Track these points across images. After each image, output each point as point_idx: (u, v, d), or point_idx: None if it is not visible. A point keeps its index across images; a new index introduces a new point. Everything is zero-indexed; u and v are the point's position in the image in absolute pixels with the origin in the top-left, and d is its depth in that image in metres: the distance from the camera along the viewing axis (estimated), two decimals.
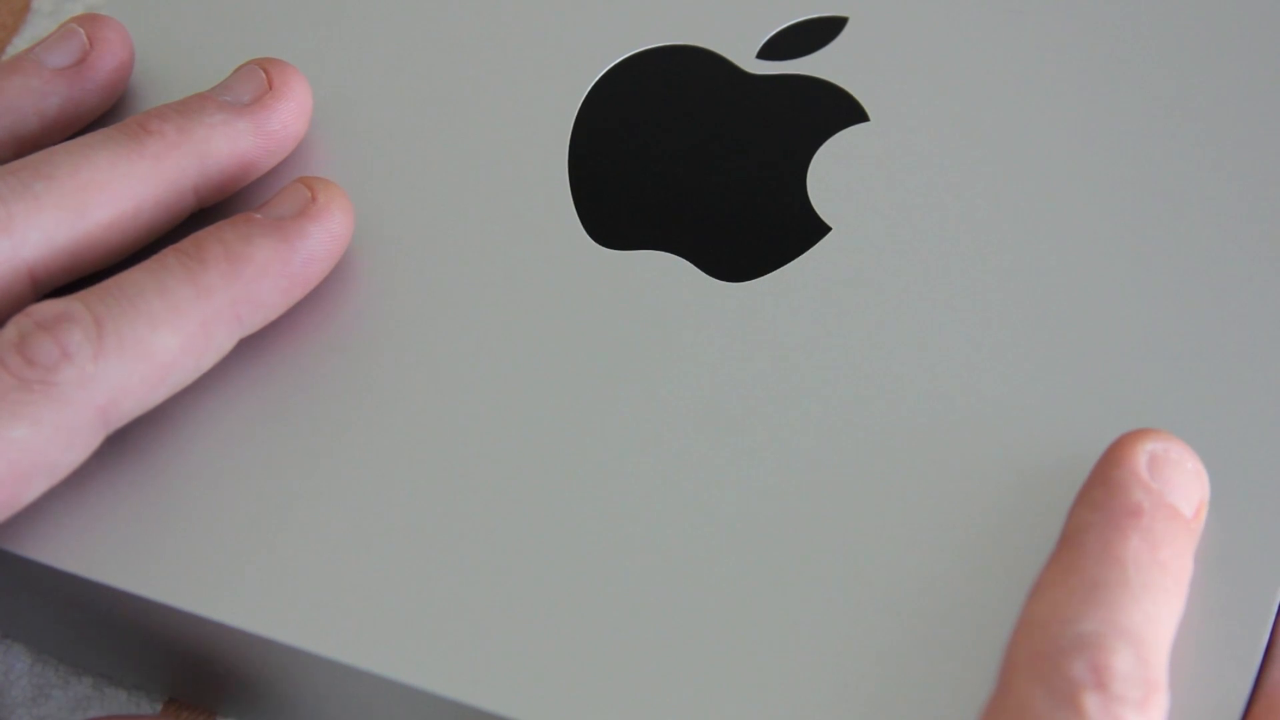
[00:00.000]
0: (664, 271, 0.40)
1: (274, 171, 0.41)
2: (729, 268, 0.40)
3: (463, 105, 0.42)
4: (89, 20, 0.42)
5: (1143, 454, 0.35)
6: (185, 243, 0.38)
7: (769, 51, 0.42)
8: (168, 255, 0.38)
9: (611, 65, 0.43)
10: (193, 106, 0.40)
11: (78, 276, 0.39)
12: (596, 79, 0.42)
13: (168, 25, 0.44)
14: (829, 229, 0.40)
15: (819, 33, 0.42)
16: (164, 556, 0.37)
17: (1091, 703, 0.32)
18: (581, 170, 0.41)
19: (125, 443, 0.38)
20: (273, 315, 0.39)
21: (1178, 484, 0.35)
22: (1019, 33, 0.42)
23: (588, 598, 0.36)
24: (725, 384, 0.38)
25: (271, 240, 0.38)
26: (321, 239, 0.39)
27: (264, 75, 0.41)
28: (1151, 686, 0.32)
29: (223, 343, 0.38)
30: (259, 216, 0.39)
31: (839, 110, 0.41)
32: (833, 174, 0.41)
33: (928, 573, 0.36)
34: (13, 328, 0.36)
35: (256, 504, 0.38)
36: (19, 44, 0.49)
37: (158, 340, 0.36)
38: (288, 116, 0.41)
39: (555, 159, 0.41)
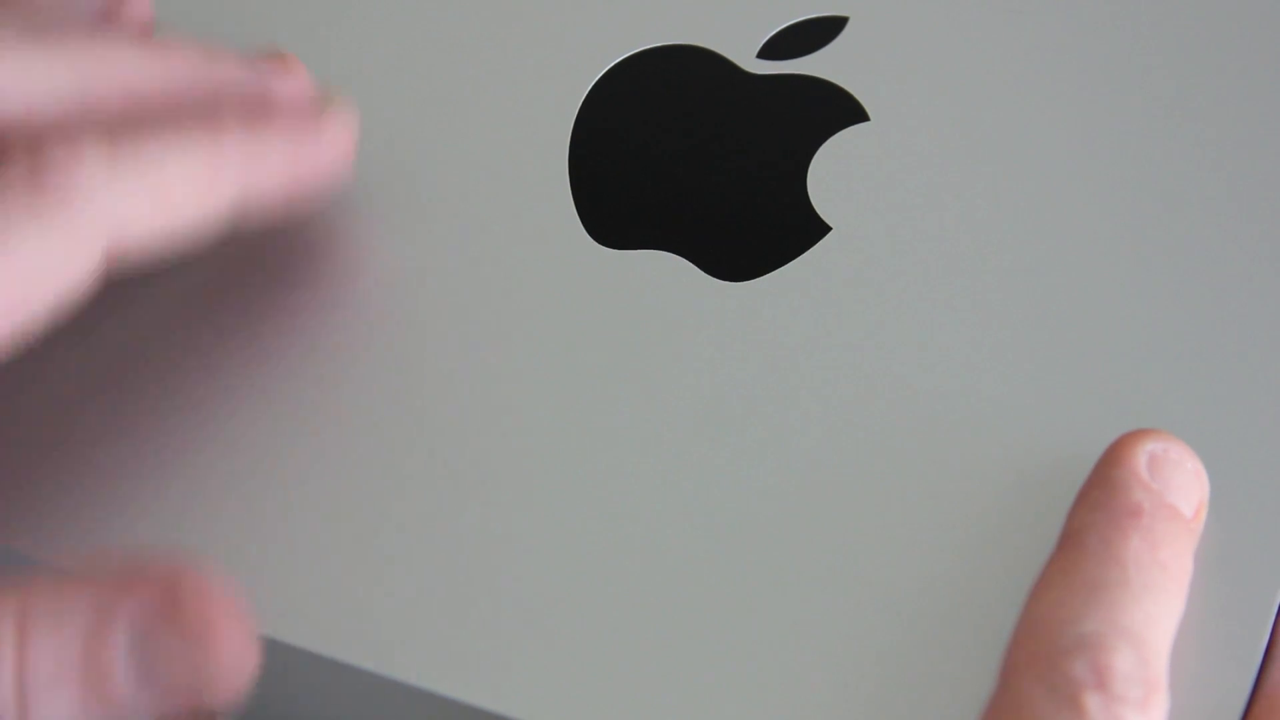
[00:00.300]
0: (664, 271, 0.40)
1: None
2: (729, 267, 0.40)
3: (463, 104, 0.42)
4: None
5: (1142, 454, 0.35)
6: (203, 102, 0.37)
7: (769, 51, 0.42)
8: (182, 106, 0.37)
9: (611, 65, 0.43)
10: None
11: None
12: (597, 79, 0.42)
13: (168, 27, 0.44)
14: (829, 229, 0.40)
15: (819, 32, 0.42)
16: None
17: (1092, 702, 0.32)
18: (582, 169, 0.41)
19: (125, 442, 0.38)
20: (273, 199, 0.38)
21: (1177, 484, 0.35)
22: (1019, 33, 0.42)
23: (588, 597, 0.36)
24: (725, 383, 0.38)
25: (286, 131, 0.38)
26: (329, 138, 0.39)
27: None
28: (1152, 686, 0.32)
29: (223, 204, 0.37)
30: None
31: (839, 110, 0.41)
32: (833, 174, 0.41)
33: (928, 573, 0.36)
34: (28, 138, 0.35)
35: (256, 503, 0.38)
36: None
37: (168, 166, 0.35)
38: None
39: (555, 158, 0.41)
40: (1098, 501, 0.35)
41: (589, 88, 0.42)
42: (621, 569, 0.36)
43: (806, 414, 0.38)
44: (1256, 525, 0.36)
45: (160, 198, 0.35)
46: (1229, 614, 0.35)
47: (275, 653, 0.36)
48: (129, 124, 0.36)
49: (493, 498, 0.37)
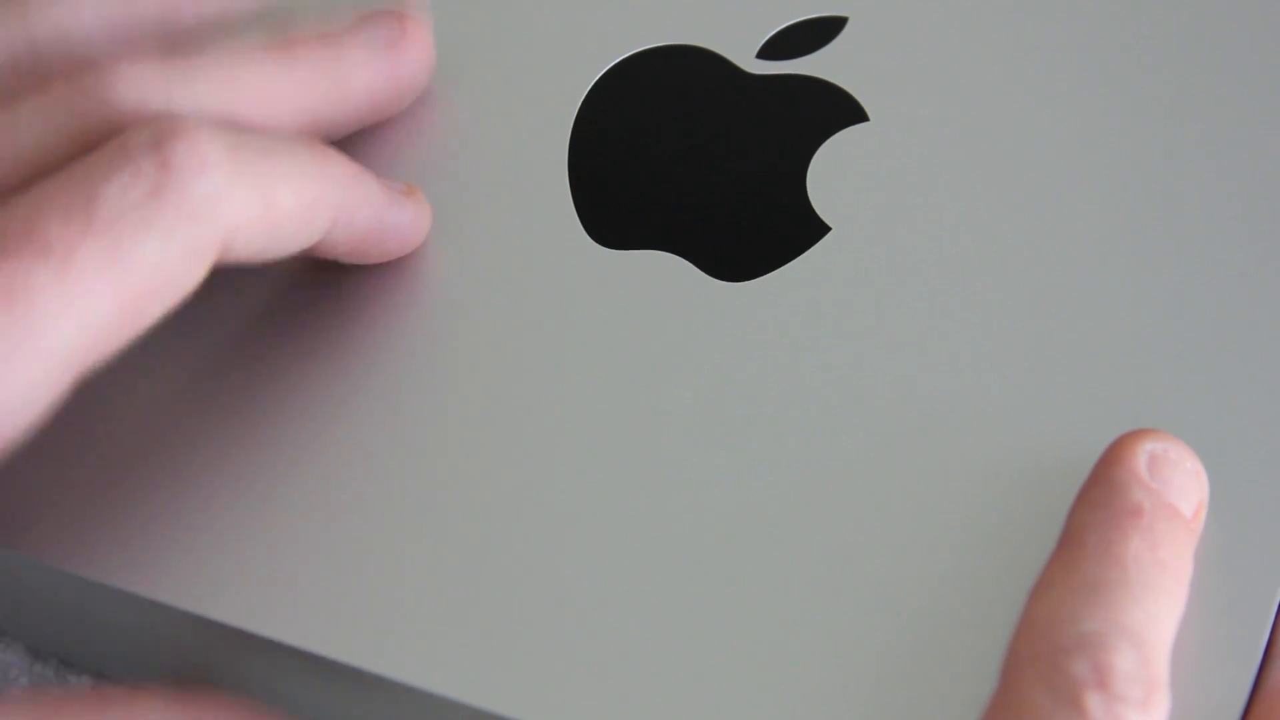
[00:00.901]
0: (663, 271, 0.40)
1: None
2: (728, 267, 0.40)
3: (462, 104, 0.42)
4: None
5: (1142, 454, 0.35)
6: (310, 137, 0.38)
7: (769, 51, 0.42)
8: (293, 135, 0.37)
9: (611, 65, 0.43)
10: (337, 40, 0.40)
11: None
12: (596, 79, 0.42)
13: None
14: (828, 229, 0.40)
15: (819, 33, 0.43)
16: (164, 556, 0.37)
17: (1093, 702, 0.32)
18: (581, 170, 0.41)
19: (125, 442, 0.38)
20: (348, 248, 0.38)
21: (1177, 484, 0.35)
22: (1018, 32, 0.42)
23: (587, 597, 0.36)
24: (724, 384, 0.38)
25: (379, 187, 0.39)
26: (410, 218, 0.40)
27: (400, 22, 0.41)
28: (1153, 686, 0.32)
29: (317, 229, 0.37)
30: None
31: (838, 110, 0.41)
32: (832, 174, 0.41)
33: (928, 572, 0.36)
34: (145, 131, 0.34)
35: (257, 503, 0.38)
36: None
37: (279, 188, 0.35)
38: (418, 66, 0.41)
39: (555, 158, 0.41)
40: (1098, 501, 0.35)
41: (588, 88, 0.42)
42: (621, 569, 0.36)
43: (806, 414, 0.38)
44: (1256, 525, 0.36)
45: (267, 213, 0.35)
46: (1229, 613, 0.35)
47: (275, 653, 0.36)
48: (247, 132, 0.36)
49: (492, 498, 0.37)
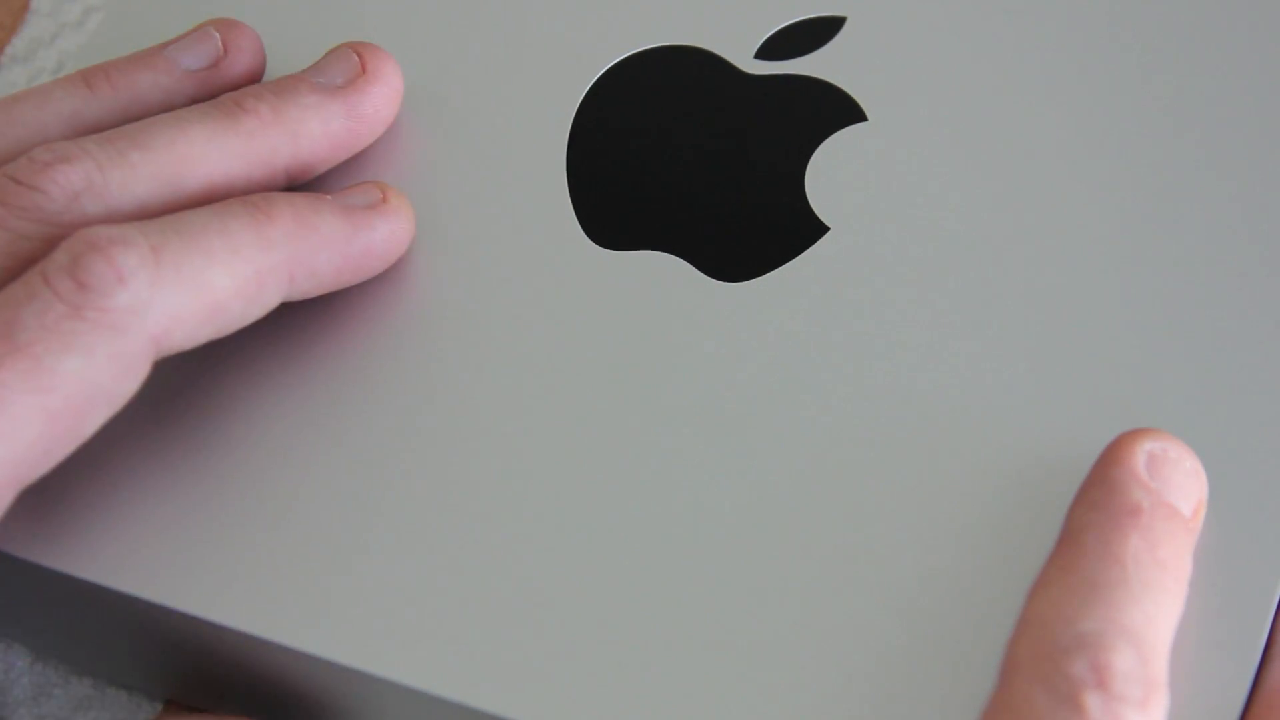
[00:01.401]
0: (662, 271, 0.40)
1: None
2: (727, 268, 0.40)
3: (461, 105, 0.42)
4: (224, 25, 0.41)
5: (1141, 453, 0.35)
6: (255, 196, 0.37)
7: (767, 51, 0.42)
8: (234, 202, 0.37)
9: (609, 66, 0.43)
10: (287, 87, 0.40)
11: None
12: (594, 79, 0.42)
13: (168, 26, 0.43)
14: (827, 229, 0.40)
15: (817, 33, 0.42)
16: (163, 558, 0.37)
17: (1093, 702, 0.32)
18: (579, 170, 0.41)
19: (124, 443, 0.38)
20: (320, 289, 0.38)
21: (1176, 483, 0.35)
22: (1017, 32, 0.42)
23: (587, 598, 0.36)
24: (723, 384, 0.38)
25: (338, 219, 0.38)
26: (383, 235, 0.39)
27: (357, 58, 0.41)
28: (1152, 685, 0.32)
29: (271, 298, 0.37)
30: (330, 199, 0.39)
31: (837, 110, 0.41)
32: (831, 174, 0.41)
33: (928, 572, 0.36)
34: (63, 251, 0.35)
35: (256, 504, 0.38)
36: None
37: (213, 277, 0.36)
38: (379, 100, 0.41)
39: (553, 159, 0.41)
40: (1097, 501, 0.35)
41: (587, 88, 0.42)
42: (621, 569, 0.36)
43: (805, 414, 0.38)
44: (1255, 524, 0.36)
45: (202, 306, 0.36)
46: (1228, 613, 0.35)
47: (275, 654, 0.36)
48: (171, 227, 0.36)
49: (491, 498, 0.37)
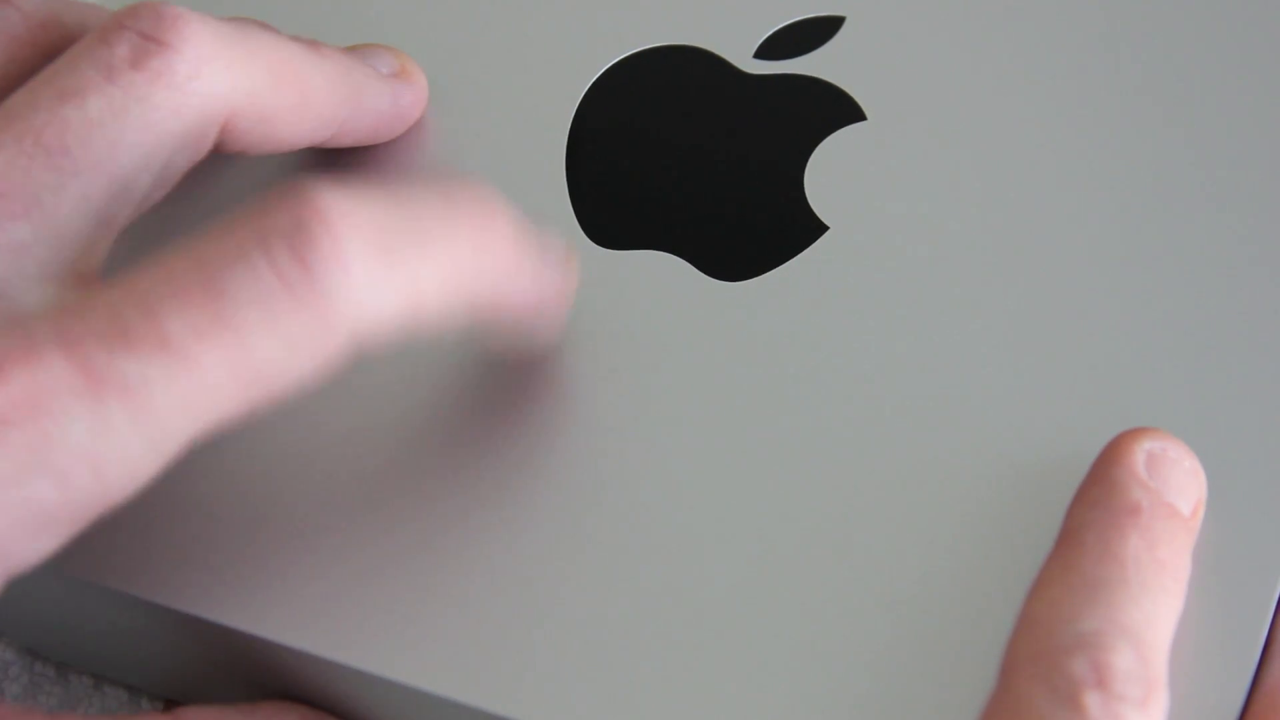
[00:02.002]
0: (661, 271, 0.40)
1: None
2: (726, 267, 0.40)
3: (460, 104, 0.42)
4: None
5: (1140, 452, 0.35)
6: (484, 192, 0.35)
7: (766, 51, 0.42)
8: (463, 196, 0.34)
9: (609, 65, 0.43)
10: (350, 55, 0.40)
11: (248, 149, 0.37)
12: (594, 79, 0.42)
13: None
14: (826, 228, 0.40)
15: (816, 32, 0.43)
16: (163, 558, 0.37)
17: (1092, 701, 0.32)
18: (578, 170, 0.41)
19: None
20: (504, 320, 0.36)
21: (1175, 483, 0.35)
22: (1017, 31, 0.42)
23: (586, 598, 0.36)
24: (722, 384, 0.38)
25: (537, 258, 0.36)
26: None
27: (396, 58, 0.41)
28: (1152, 685, 0.32)
29: (453, 320, 0.34)
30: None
31: (836, 109, 0.41)
32: (830, 173, 0.41)
33: (927, 572, 0.36)
34: (286, 213, 0.32)
35: (256, 504, 0.38)
36: None
37: (427, 279, 0.33)
38: (415, 97, 0.41)
39: (552, 159, 0.41)
40: (1096, 500, 0.35)
41: (586, 88, 0.42)
42: (620, 569, 0.36)
43: (804, 414, 0.38)
44: (1254, 523, 0.36)
45: (408, 309, 0.33)
46: (1227, 612, 0.35)
47: (275, 654, 0.36)
48: (400, 207, 0.33)
49: (490, 498, 0.37)
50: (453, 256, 0.34)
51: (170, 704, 0.40)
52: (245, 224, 0.32)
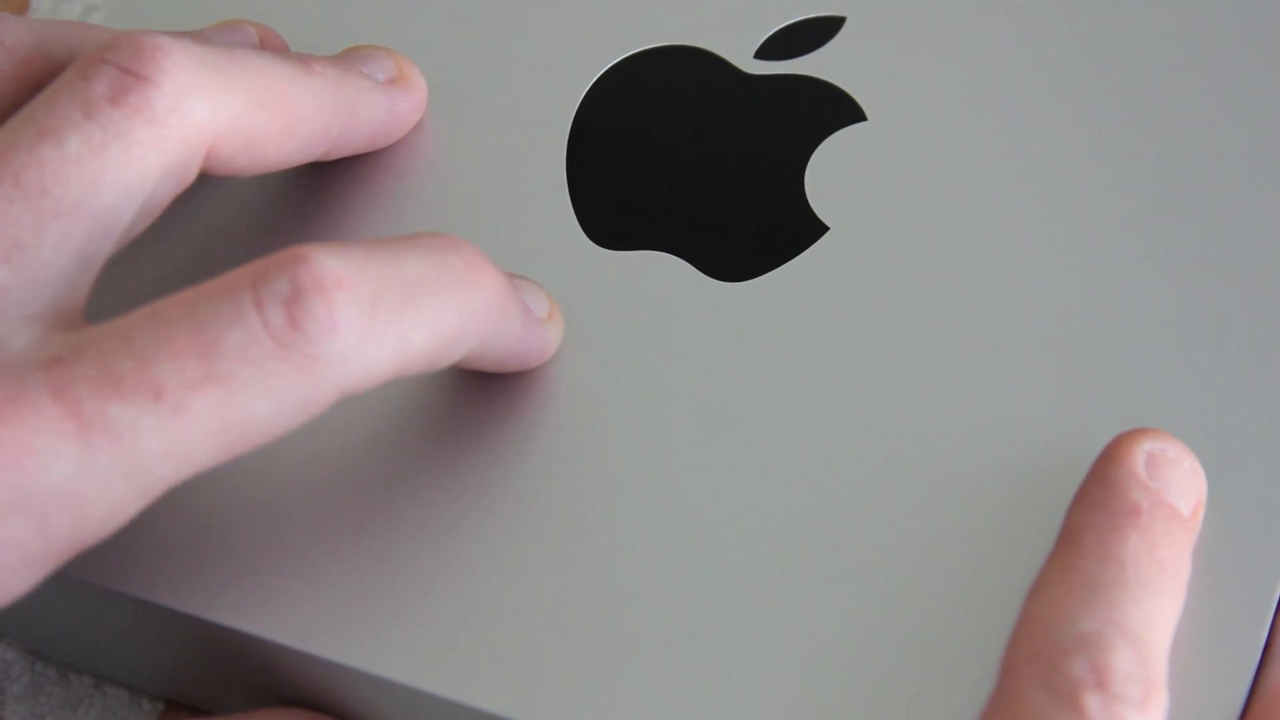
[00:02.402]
0: (661, 271, 0.40)
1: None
2: (726, 268, 0.40)
3: (460, 104, 0.42)
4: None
5: (1140, 453, 0.35)
6: (467, 250, 0.35)
7: (767, 51, 0.42)
8: (450, 251, 0.35)
9: (609, 65, 0.43)
10: (344, 64, 0.40)
11: (237, 173, 0.38)
12: (594, 79, 0.42)
13: (168, 26, 0.44)
14: (827, 229, 0.40)
15: (816, 32, 0.43)
16: (164, 559, 0.37)
17: (1092, 702, 0.32)
18: (579, 170, 0.41)
19: None
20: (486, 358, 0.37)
21: (1175, 483, 0.35)
22: (1017, 32, 0.42)
23: (587, 598, 0.36)
24: (722, 384, 0.38)
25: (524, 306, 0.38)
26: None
27: (394, 62, 0.41)
28: (1151, 686, 0.32)
29: (448, 362, 0.36)
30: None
31: (837, 110, 0.41)
32: (830, 174, 0.41)
33: (927, 572, 0.36)
34: (281, 275, 0.33)
35: (256, 504, 0.38)
36: None
37: (415, 338, 0.34)
38: (412, 103, 0.41)
39: (553, 159, 0.41)
40: (1096, 500, 0.35)
41: (587, 88, 0.42)
42: (620, 570, 0.36)
43: (805, 414, 0.38)
44: (1254, 524, 0.36)
45: (400, 363, 0.34)
46: (1227, 613, 0.35)
47: (276, 654, 0.36)
48: (390, 269, 0.34)
49: (490, 498, 0.37)
50: (440, 316, 0.34)
51: (170, 704, 0.40)
52: (242, 283, 0.33)
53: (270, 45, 0.42)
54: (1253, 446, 0.36)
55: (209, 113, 0.36)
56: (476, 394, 0.39)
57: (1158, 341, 0.38)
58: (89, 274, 0.35)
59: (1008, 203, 0.40)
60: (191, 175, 0.37)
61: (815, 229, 0.40)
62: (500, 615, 0.36)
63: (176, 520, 0.37)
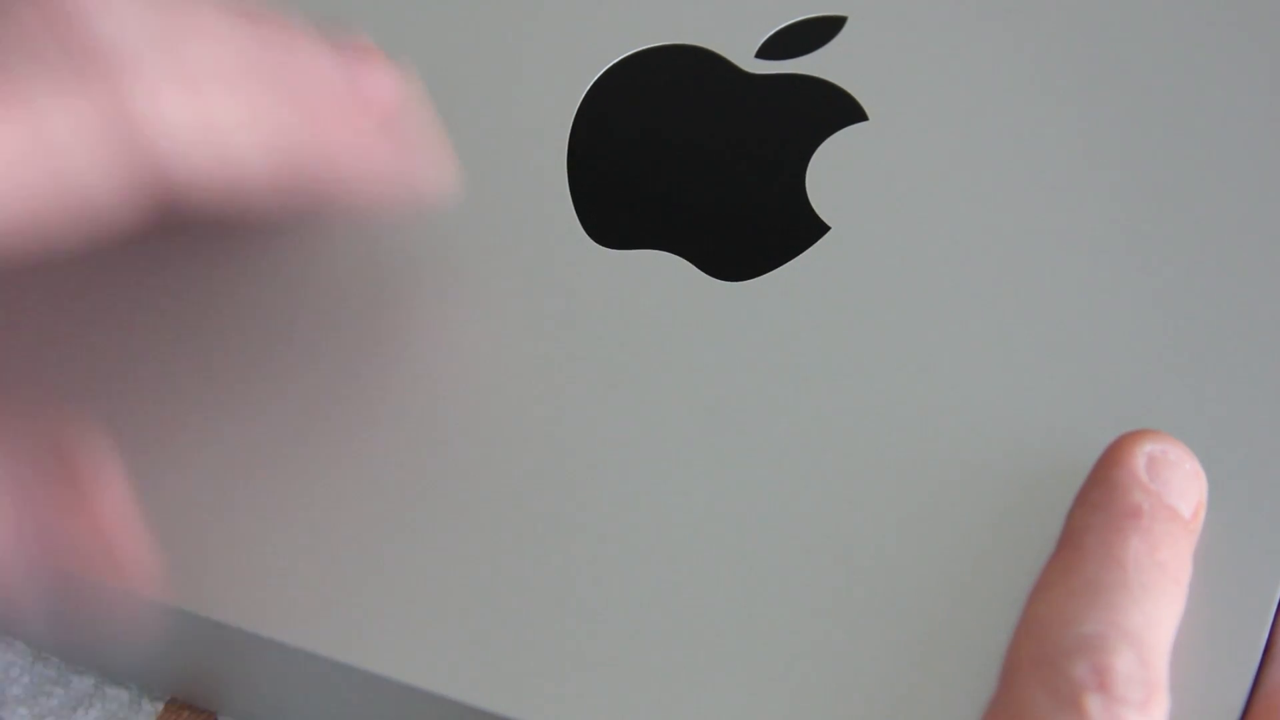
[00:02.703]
0: (662, 270, 0.40)
1: None
2: (727, 267, 0.40)
3: (461, 104, 0.42)
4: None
5: (1141, 455, 0.35)
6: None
7: (768, 51, 0.42)
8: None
9: (611, 64, 0.43)
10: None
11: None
12: (596, 78, 0.42)
13: None
14: (828, 228, 0.40)
15: (817, 32, 0.43)
16: (164, 558, 0.37)
17: (1094, 704, 0.32)
18: (580, 169, 0.41)
19: (124, 445, 0.38)
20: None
21: (1176, 485, 0.35)
22: (1017, 31, 0.42)
23: (587, 598, 0.36)
24: (723, 383, 0.38)
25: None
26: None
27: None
28: (1152, 687, 0.32)
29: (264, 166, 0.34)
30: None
31: (837, 109, 0.41)
32: (831, 173, 0.41)
33: (928, 574, 0.36)
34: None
35: (256, 503, 0.38)
36: None
37: (222, 111, 0.33)
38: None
39: (554, 158, 0.41)
40: (1097, 502, 0.35)
41: (588, 87, 0.42)
42: (620, 570, 0.36)
43: (805, 414, 0.38)
44: (1255, 526, 0.36)
45: (213, 134, 0.33)
46: (1228, 614, 0.35)
47: (275, 652, 0.36)
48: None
49: (492, 498, 0.37)
50: (262, 104, 0.34)
51: (171, 704, 0.40)
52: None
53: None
54: (1253, 448, 0.37)
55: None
56: (477, 393, 0.39)
57: (1158, 342, 0.38)
58: None
59: (1009, 203, 0.40)
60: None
61: (816, 228, 0.40)
62: (500, 615, 0.36)
63: (177, 520, 0.37)
